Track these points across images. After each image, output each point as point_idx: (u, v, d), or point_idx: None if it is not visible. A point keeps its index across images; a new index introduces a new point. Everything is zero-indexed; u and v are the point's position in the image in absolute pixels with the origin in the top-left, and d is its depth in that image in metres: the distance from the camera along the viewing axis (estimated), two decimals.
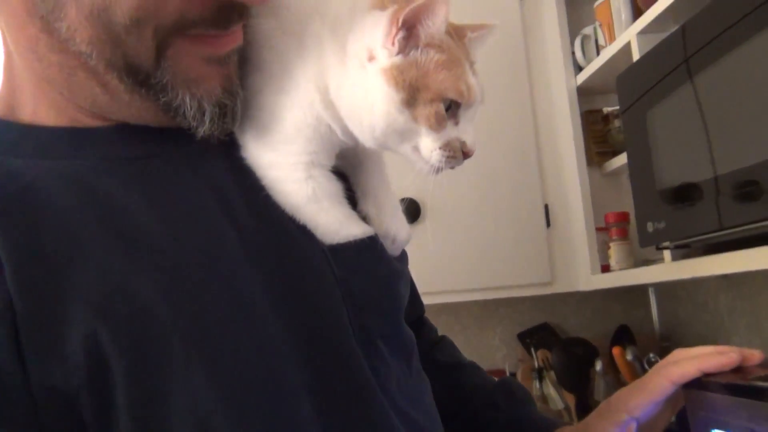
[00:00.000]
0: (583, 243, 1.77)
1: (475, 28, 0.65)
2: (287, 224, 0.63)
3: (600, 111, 1.85)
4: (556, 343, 2.01)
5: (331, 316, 0.63)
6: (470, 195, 1.81)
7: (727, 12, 1.10)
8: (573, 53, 1.84)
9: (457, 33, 0.63)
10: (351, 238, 0.64)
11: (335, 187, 0.65)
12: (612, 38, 1.66)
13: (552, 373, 1.98)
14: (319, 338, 0.61)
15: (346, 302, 0.64)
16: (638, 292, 2.17)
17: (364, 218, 0.68)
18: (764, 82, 1.03)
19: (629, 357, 1.79)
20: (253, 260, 0.59)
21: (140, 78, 0.57)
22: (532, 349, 2.06)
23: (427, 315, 2.16)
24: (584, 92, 1.84)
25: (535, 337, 2.13)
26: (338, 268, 0.63)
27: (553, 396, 1.97)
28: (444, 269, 1.80)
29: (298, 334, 0.60)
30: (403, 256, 0.74)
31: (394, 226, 0.70)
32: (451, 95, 0.59)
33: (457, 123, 0.61)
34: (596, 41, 1.78)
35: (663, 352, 1.91)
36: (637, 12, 1.62)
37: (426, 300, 1.82)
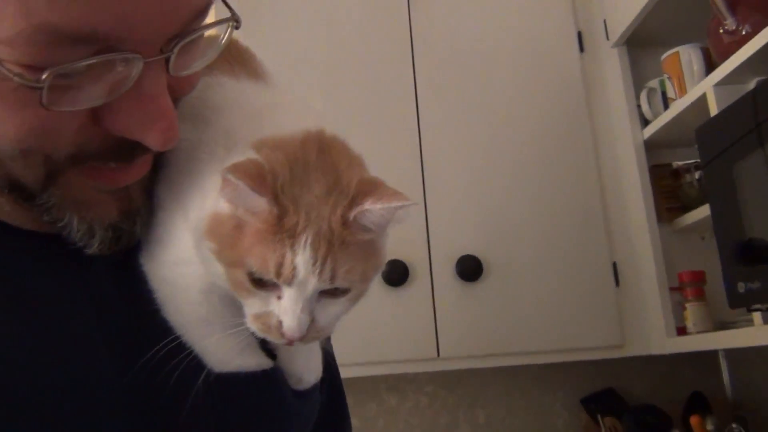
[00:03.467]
0: (656, 303, 1.68)
1: (379, 198, 0.53)
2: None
3: (669, 165, 1.78)
4: (626, 410, 1.89)
5: None
6: (534, 252, 1.74)
7: None
8: (638, 107, 1.78)
9: (351, 201, 0.53)
10: (242, 369, 0.60)
11: (234, 314, 0.59)
12: (683, 91, 1.61)
13: None
14: None
15: (220, 424, 0.60)
16: (708, 356, 2.05)
17: (272, 351, 0.64)
18: None
19: (710, 427, 1.67)
20: (116, 380, 0.55)
21: (24, 195, 0.52)
22: (599, 416, 1.94)
23: (485, 379, 2.07)
24: (651, 146, 1.78)
25: (600, 403, 2.01)
26: (219, 397, 0.59)
27: None
28: (504, 330, 1.73)
29: None
30: (309, 394, 0.68)
31: (303, 366, 0.66)
32: (254, 268, 0.51)
33: (279, 297, 0.52)
34: (663, 94, 1.73)
35: (740, 423, 1.79)
36: (709, 64, 1.57)
37: (484, 363, 1.75)
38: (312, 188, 0.52)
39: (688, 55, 1.60)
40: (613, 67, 1.86)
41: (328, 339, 0.79)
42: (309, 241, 0.51)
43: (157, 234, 0.59)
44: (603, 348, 1.74)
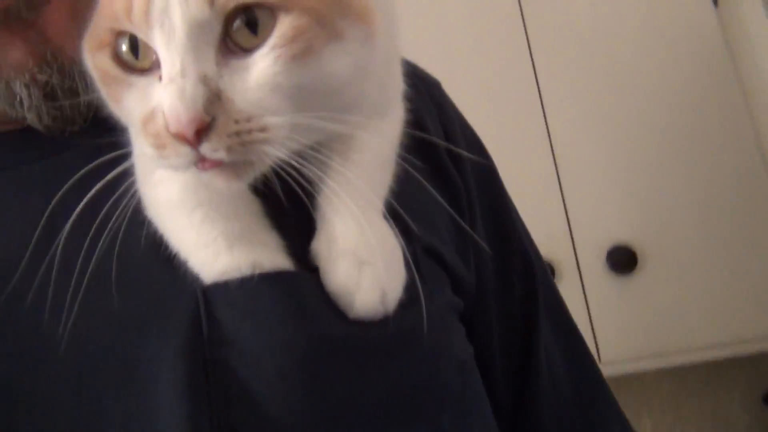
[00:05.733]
0: None
1: None
2: (151, 262, 0.43)
3: None
4: None
5: (174, 403, 0.39)
6: (695, 232, 1.53)
7: None
8: None
9: None
10: (231, 273, 0.40)
11: (233, 207, 0.42)
12: None
13: None
14: None
15: (215, 379, 0.40)
16: None
17: (312, 260, 0.44)
18: None
19: None
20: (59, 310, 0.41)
21: None
22: None
23: (648, 383, 1.82)
24: None
25: None
26: (212, 322, 0.40)
27: None
28: (669, 325, 1.52)
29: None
30: (380, 327, 0.43)
31: (354, 279, 0.42)
32: (107, 24, 0.36)
33: (161, 76, 0.36)
34: None
35: None
36: None
37: (649, 364, 1.54)
38: None
39: None
40: (753, 10, 1.63)
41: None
42: None
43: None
44: None
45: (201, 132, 0.34)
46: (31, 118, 0.47)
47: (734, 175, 1.54)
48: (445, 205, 0.52)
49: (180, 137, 0.34)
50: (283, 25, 0.35)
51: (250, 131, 0.35)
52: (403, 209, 0.45)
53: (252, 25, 0.35)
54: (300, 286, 0.42)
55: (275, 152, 0.35)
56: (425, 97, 0.52)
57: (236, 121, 0.34)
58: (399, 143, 0.48)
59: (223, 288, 0.40)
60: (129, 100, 0.38)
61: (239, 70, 0.35)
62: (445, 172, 0.55)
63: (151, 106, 0.36)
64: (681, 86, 1.60)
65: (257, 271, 0.40)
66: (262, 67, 0.35)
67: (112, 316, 0.41)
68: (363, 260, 0.42)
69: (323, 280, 0.42)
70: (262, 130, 0.35)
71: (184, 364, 0.40)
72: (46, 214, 0.43)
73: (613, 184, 1.56)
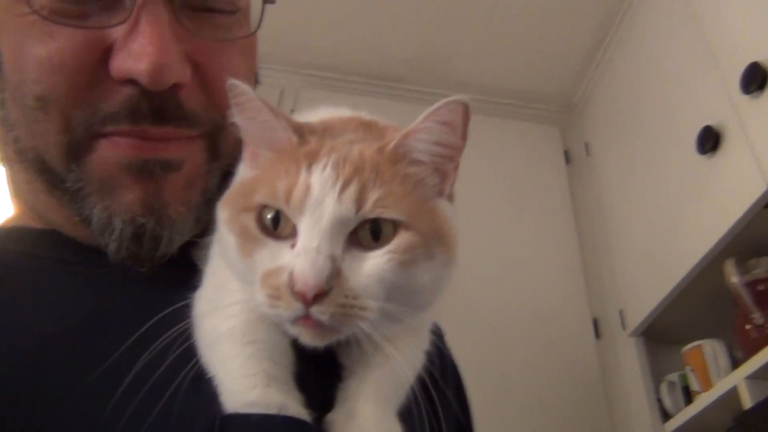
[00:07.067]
0: None
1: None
2: (183, 382, 0.45)
3: None
4: None
5: None
6: None
7: None
8: (659, 400, 1.73)
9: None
10: (255, 408, 0.43)
11: (279, 355, 0.47)
12: (708, 384, 1.57)
13: None
14: None
15: None
16: None
17: (325, 427, 0.47)
18: None
19: None
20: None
21: (54, 178, 0.54)
22: None
23: None
24: None
25: None
26: None
27: None
28: None
29: None
30: None
31: None
32: (263, 198, 0.44)
33: (293, 246, 0.43)
34: (684, 388, 1.68)
35: None
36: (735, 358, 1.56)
37: None
38: (346, 137, 0.47)
39: (712, 349, 1.59)
40: (629, 356, 1.84)
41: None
42: (331, 162, 0.43)
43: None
44: None
45: (317, 297, 0.41)
46: (111, 248, 0.52)
47: None
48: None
49: (300, 296, 0.41)
50: (402, 238, 0.44)
51: (353, 306, 0.42)
52: (407, 422, 0.50)
53: (375, 233, 0.44)
54: None
55: (363, 328, 0.43)
56: (434, 339, 0.60)
57: (346, 296, 0.42)
58: (420, 368, 0.53)
59: (243, 419, 0.43)
60: (260, 255, 0.44)
61: (358, 259, 0.43)
62: (442, 400, 0.61)
63: (278, 264, 0.43)
64: (553, 410, 1.74)
65: (282, 413, 0.43)
66: (376, 262, 0.43)
67: (137, 420, 0.44)
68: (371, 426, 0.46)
69: None
70: (362, 308, 0.42)
71: None
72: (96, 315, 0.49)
73: None
